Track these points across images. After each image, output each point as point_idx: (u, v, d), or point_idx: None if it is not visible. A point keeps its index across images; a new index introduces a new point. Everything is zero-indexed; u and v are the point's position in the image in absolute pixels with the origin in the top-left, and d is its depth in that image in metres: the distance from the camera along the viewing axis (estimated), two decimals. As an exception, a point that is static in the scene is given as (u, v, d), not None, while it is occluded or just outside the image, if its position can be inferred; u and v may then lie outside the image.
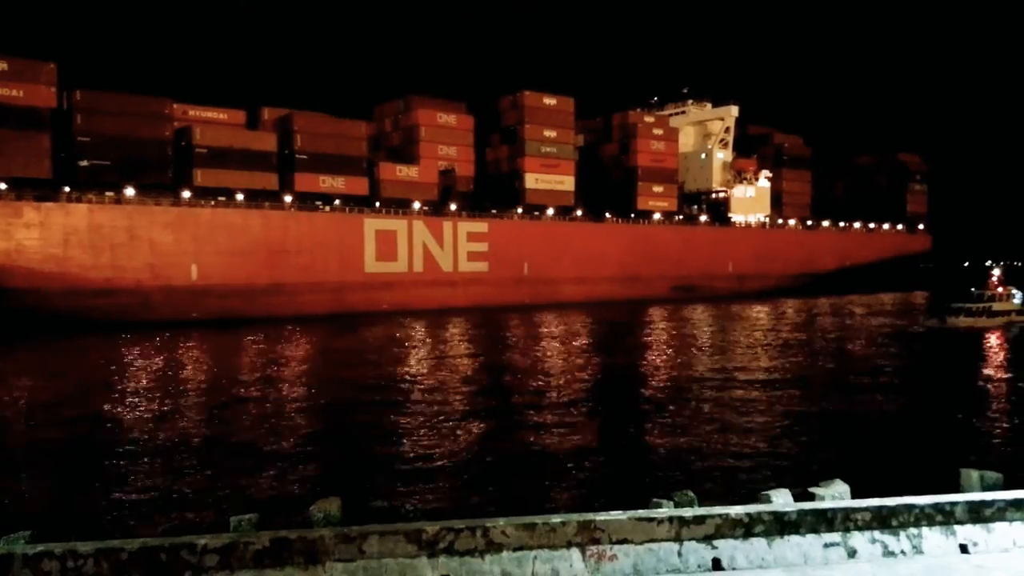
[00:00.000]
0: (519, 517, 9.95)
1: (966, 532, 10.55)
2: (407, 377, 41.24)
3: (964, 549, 10.44)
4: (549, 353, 51.92)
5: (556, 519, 9.76)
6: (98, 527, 16.47)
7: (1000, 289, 69.16)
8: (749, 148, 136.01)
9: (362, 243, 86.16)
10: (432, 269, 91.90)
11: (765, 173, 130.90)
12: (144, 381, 41.05)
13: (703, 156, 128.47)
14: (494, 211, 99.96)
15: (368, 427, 29.17)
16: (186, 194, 76.93)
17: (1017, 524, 10.72)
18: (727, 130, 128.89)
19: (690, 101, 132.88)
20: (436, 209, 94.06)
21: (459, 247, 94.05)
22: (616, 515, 9.88)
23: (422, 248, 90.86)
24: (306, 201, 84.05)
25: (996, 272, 71.38)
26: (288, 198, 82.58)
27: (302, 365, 47.72)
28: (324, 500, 11.11)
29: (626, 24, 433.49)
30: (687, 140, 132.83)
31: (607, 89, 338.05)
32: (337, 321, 76.24)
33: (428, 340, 62.45)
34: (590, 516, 9.86)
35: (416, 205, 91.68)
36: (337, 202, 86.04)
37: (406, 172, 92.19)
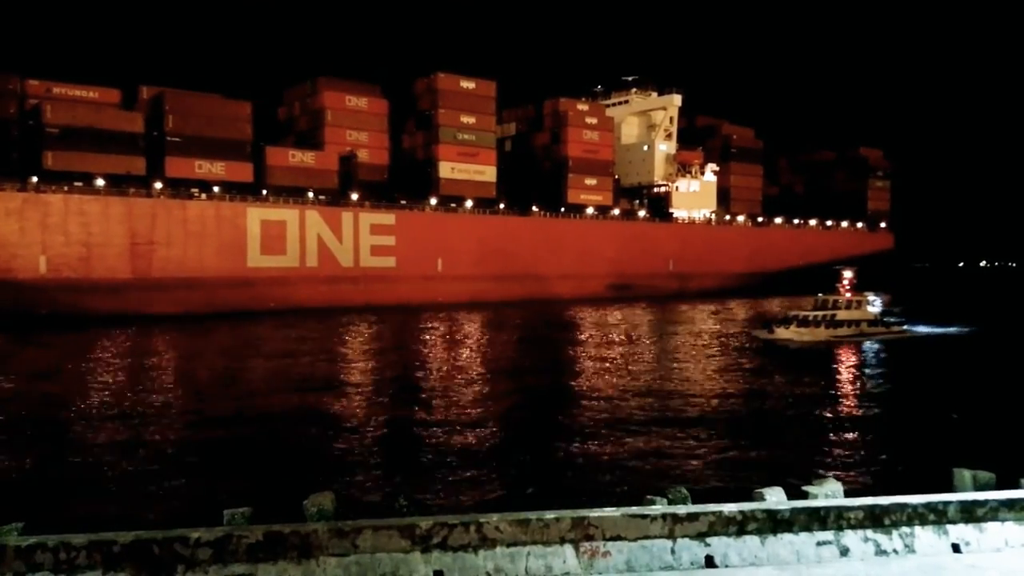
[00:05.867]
0: (513, 513, 9.86)
1: (958, 531, 10.54)
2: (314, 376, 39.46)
3: (956, 548, 10.41)
4: (470, 355, 49.06)
5: (550, 515, 9.68)
6: (91, 519, 15.49)
7: (849, 295, 57.97)
8: (697, 140, 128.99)
9: (244, 234, 78.48)
10: (328, 264, 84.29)
11: (711, 167, 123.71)
12: None
13: (645, 148, 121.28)
14: (403, 202, 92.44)
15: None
16: (35, 178, 69.21)
17: (1009, 524, 10.68)
18: (671, 120, 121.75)
19: (634, 90, 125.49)
20: (337, 199, 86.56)
21: (361, 240, 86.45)
22: (610, 512, 9.87)
23: (316, 241, 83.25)
24: (180, 188, 76.33)
25: (848, 274, 59.22)
26: (158, 184, 74.90)
27: (161, 365, 43.85)
28: (318, 494, 10.83)
29: (564, 4, 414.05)
30: (631, 131, 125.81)
31: (545, 76, 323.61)
32: (209, 320, 69.08)
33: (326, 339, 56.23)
34: (584, 512, 9.81)
35: (311, 194, 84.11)
36: (217, 189, 78.32)
37: (300, 158, 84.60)
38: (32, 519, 10.36)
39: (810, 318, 55.49)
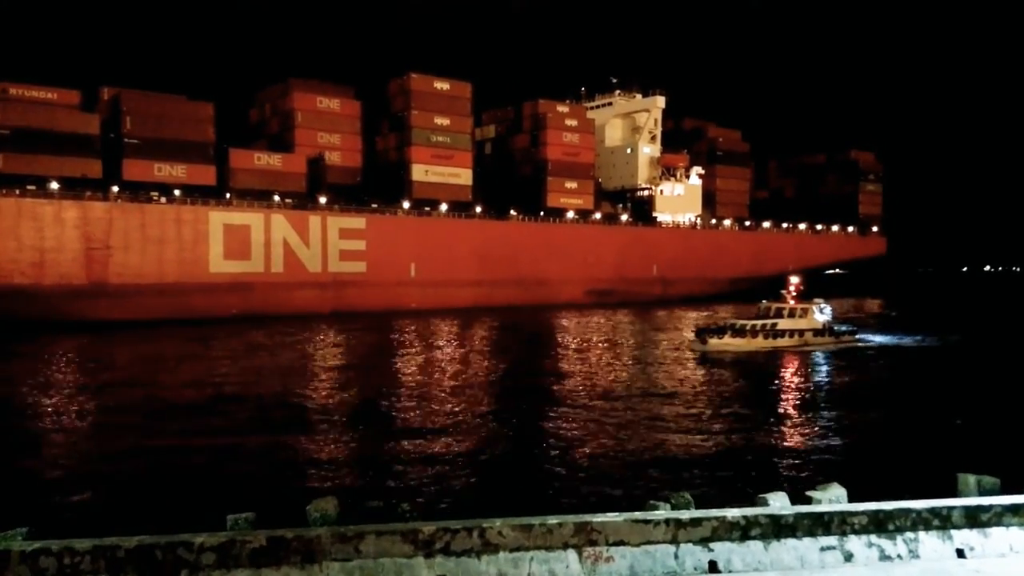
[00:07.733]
0: (516, 518, 9.84)
1: (963, 537, 10.53)
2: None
3: (961, 554, 10.39)
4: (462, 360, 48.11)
5: (553, 520, 9.71)
6: (95, 524, 15.31)
7: (793, 302, 54.12)
8: (682, 143, 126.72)
9: (207, 239, 76.36)
10: (295, 270, 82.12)
11: (697, 170, 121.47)
12: None
13: (628, 151, 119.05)
14: (375, 205, 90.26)
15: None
16: (-15, 181, 67.28)
17: (1014, 529, 10.65)
18: (655, 122, 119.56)
19: (618, 92, 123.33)
20: (304, 202, 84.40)
21: (329, 245, 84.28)
22: (613, 517, 9.89)
23: (282, 245, 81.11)
24: (138, 191, 74.24)
25: (794, 280, 55.25)
26: (115, 188, 72.82)
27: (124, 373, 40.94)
28: (321, 499, 10.74)
29: (547, 4, 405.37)
30: (614, 134, 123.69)
31: (527, 77, 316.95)
32: (169, 327, 66.90)
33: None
34: (587, 517, 9.85)
35: (277, 197, 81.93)
36: (178, 193, 76.22)
37: (266, 160, 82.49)
38: (36, 524, 10.24)
39: (747, 327, 51.74)
